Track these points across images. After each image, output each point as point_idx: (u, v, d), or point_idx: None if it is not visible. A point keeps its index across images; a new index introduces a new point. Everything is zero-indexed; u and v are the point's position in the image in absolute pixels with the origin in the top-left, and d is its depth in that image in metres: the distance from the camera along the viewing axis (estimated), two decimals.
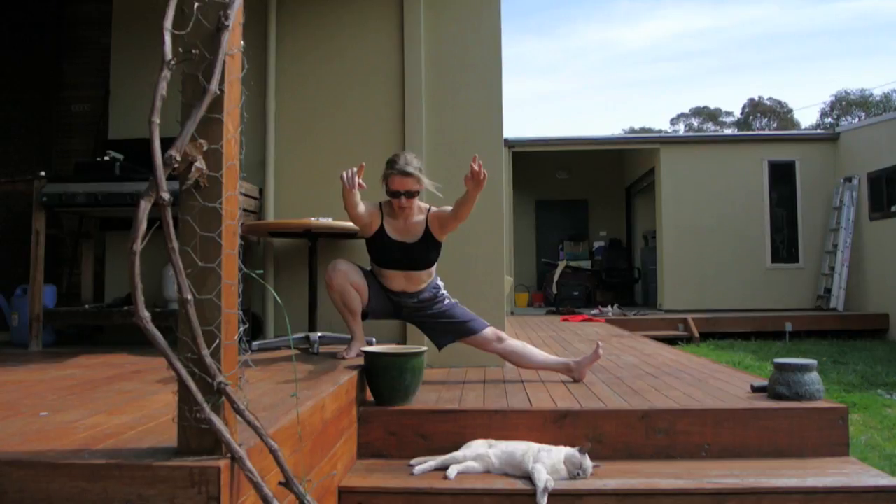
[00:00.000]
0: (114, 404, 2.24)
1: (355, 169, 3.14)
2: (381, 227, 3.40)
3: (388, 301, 3.52)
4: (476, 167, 3.06)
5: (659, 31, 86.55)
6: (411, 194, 3.33)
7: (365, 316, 3.52)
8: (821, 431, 2.85)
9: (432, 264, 3.48)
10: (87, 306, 4.25)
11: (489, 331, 3.50)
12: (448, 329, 3.51)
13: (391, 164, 3.34)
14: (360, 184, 3.14)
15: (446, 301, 3.54)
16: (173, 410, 1.56)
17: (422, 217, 3.42)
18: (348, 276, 3.37)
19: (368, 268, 3.56)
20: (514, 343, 3.55)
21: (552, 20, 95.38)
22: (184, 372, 1.50)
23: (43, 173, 3.94)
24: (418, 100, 4.28)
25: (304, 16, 4.47)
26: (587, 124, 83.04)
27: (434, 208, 3.45)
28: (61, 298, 4.64)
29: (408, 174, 3.29)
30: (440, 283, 3.58)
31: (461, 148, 4.21)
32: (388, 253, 3.40)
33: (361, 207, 3.29)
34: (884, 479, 2.55)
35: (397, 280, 3.45)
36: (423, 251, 3.40)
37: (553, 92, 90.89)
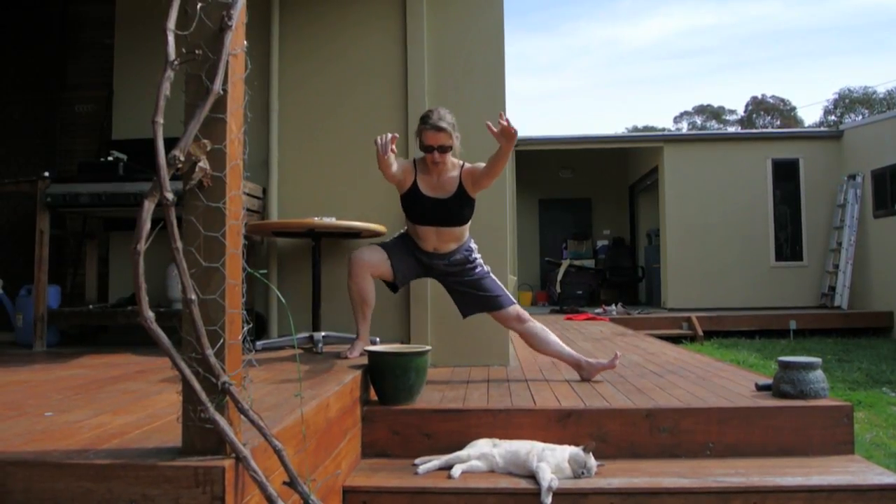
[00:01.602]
0: (118, 404, 2.24)
1: (389, 136, 3.16)
2: (414, 183, 3.43)
3: (418, 263, 3.54)
4: (505, 122, 3.08)
5: (661, 29, 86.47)
6: (444, 149, 3.35)
7: (395, 288, 3.57)
8: (825, 430, 2.84)
9: (465, 221, 3.49)
10: (91, 306, 4.25)
11: (514, 309, 3.54)
12: (477, 300, 3.54)
13: (425, 119, 3.36)
14: (392, 149, 3.16)
15: (478, 269, 3.55)
16: (178, 410, 1.56)
17: (455, 173, 3.45)
18: (371, 268, 3.41)
19: (402, 229, 3.61)
20: (535, 326, 3.58)
21: (555, 18, 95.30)
22: (188, 372, 1.50)
23: (47, 174, 3.94)
24: (421, 99, 4.27)
25: (306, 15, 4.47)
26: (590, 123, 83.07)
27: (467, 164, 3.46)
28: (65, 299, 4.65)
29: (440, 129, 3.31)
30: (473, 247, 3.59)
31: (465, 147, 4.20)
32: (420, 209, 3.42)
33: (395, 167, 3.31)
34: (889, 477, 2.54)
35: (429, 238, 3.47)
36: (457, 207, 3.42)
37: (556, 90, 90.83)
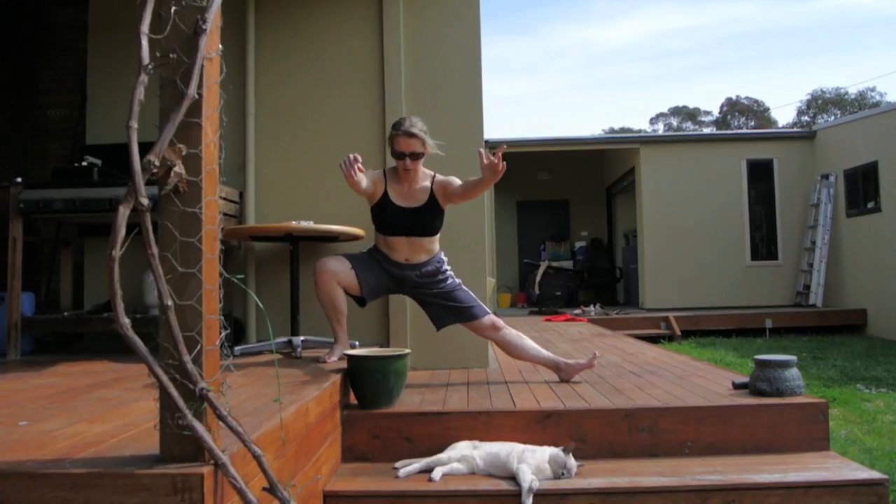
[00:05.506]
0: (95, 412, 2.21)
1: (352, 156, 3.11)
2: (385, 194, 3.42)
3: (388, 277, 3.51)
4: (496, 160, 3.07)
5: (637, 30, 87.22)
6: (416, 156, 3.36)
7: (363, 302, 3.53)
8: (801, 427, 2.88)
9: (436, 232, 3.49)
10: (66, 313, 4.20)
11: (489, 318, 3.53)
12: (451, 311, 3.53)
13: (397, 126, 3.38)
14: (358, 168, 3.13)
15: (450, 280, 3.55)
16: (155, 417, 1.55)
17: (427, 183, 3.46)
18: (336, 276, 3.37)
19: (370, 244, 3.58)
20: (510, 333, 3.58)
21: (531, 20, 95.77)
22: (165, 378, 1.49)
23: (20, 179, 3.89)
24: (398, 101, 4.27)
25: (282, 18, 4.45)
26: (567, 124, 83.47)
27: (440, 176, 3.48)
28: (40, 306, 4.58)
29: (412, 135, 3.33)
30: (444, 259, 3.58)
31: (442, 149, 4.21)
32: (391, 219, 3.42)
33: (364, 182, 3.30)
34: (863, 473, 2.58)
35: (401, 249, 3.45)
36: (428, 216, 3.43)
37: (533, 92, 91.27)
